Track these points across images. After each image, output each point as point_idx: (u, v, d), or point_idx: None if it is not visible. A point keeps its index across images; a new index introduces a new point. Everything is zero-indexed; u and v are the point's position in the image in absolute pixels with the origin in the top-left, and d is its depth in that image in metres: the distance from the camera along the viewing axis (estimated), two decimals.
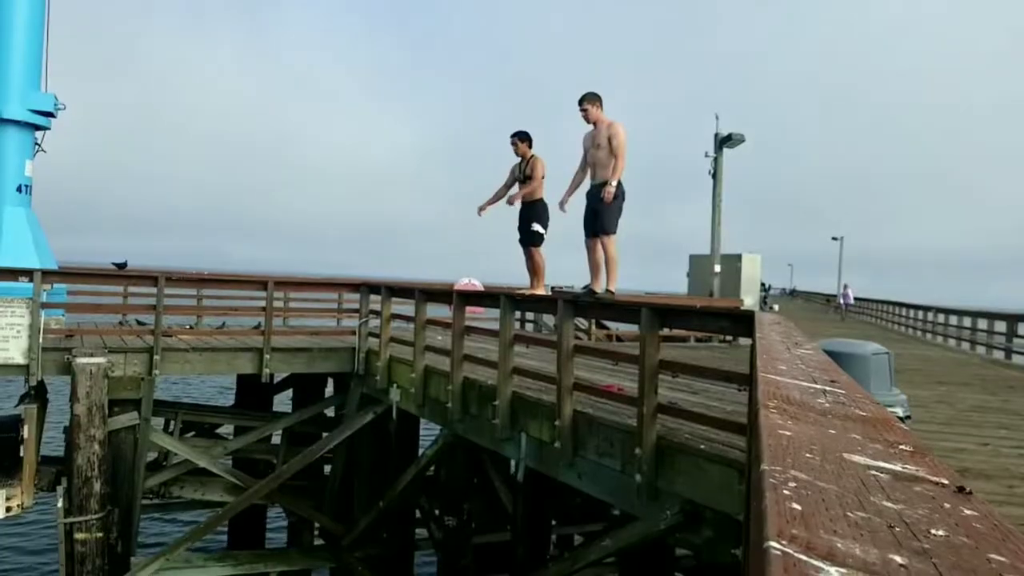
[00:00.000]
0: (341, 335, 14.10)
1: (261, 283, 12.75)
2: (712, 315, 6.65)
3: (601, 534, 10.01)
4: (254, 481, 12.54)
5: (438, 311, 11.50)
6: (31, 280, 10.81)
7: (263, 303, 12.47)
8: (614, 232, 8.47)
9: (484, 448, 9.18)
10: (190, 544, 12.09)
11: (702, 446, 6.08)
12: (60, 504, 10.39)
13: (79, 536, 10.35)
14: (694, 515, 6.09)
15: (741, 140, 25.38)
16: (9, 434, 11.36)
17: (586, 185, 8.96)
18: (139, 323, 15.10)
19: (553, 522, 10.52)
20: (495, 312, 8.97)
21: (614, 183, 8.25)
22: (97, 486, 10.41)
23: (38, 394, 11.12)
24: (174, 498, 13.19)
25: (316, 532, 14.49)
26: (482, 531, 10.88)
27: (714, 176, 25.66)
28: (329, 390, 14.55)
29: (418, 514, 11.96)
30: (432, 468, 11.39)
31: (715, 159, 25.73)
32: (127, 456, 10.97)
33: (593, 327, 17.21)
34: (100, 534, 10.47)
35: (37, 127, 14.47)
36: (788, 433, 1.74)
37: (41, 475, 10.95)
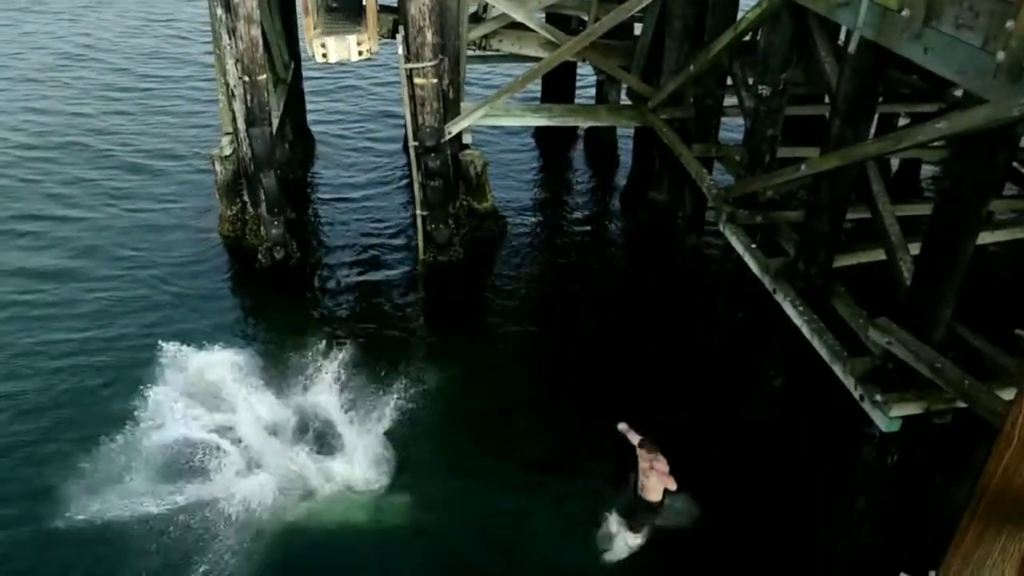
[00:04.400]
0: None
1: None
2: None
3: (935, 116, 9.07)
4: (567, 37, 12.73)
5: None
6: None
7: None
8: None
9: (814, 13, 8.23)
10: (510, 95, 13.05)
11: None
12: (400, 51, 11.52)
13: (418, 81, 11.61)
14: None
15: None
16: None
17: None
18: None
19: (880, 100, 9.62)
20: None
21: None
22: (429, 35, 11.27)
23: None
24: (493, 51, 13.97)
25: (623, 92, 14.87)
26: (796, 103, 10.36)
27: None
28: None
29: (729, 81, 11.57)
30: (750, 34, 10.61)
31: None
32: (452, 8, 11.54)
33: None
34: (434, 80, 11.64)
35: None
36: None
37: (381, 22, 12.04)
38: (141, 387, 9.79)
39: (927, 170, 15.07)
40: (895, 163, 14.58)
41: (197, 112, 18.42)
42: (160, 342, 10.45)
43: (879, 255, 8.81)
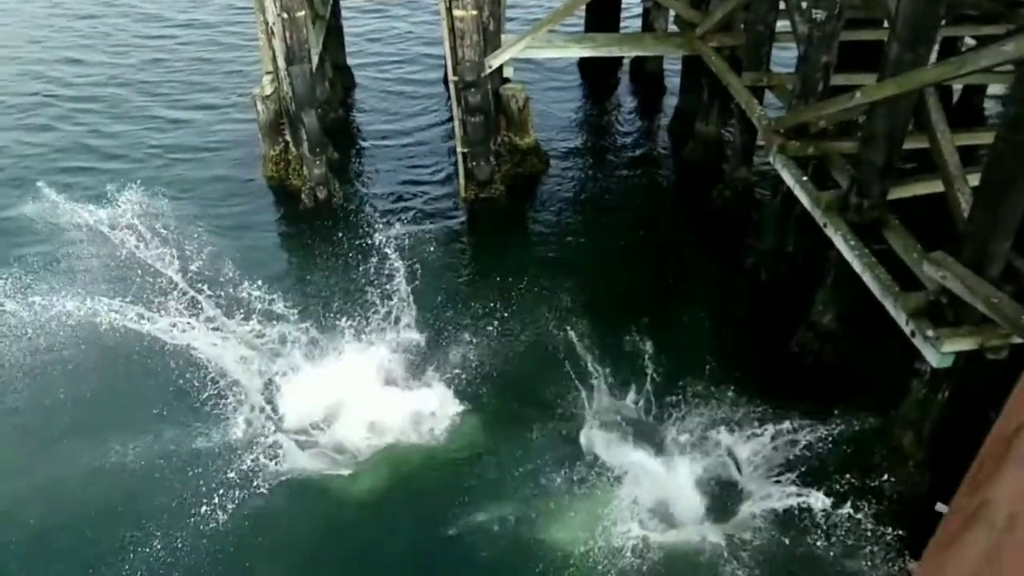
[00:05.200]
0: None
1: None
2: None
3: (1002, 38, 8.57)
4: None
5: None
6: None
7: None
8: None
9: None
10: (552, 26, 12.70)
11: None
12: None
13: (457, 13, 11.36)
14: None
15: None
16: None
17: None
18: None
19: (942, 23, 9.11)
20: None
21: None
22: None
23: None
24: None
25: (671, 20, 14.37)
26: (852, 27, 9.87)
27: None
28: None
29: (781, 5, 11.07)
30: None
31: None
32: None
33: None
34: (474, 12, 11.37)
35: None
36: None
37: None
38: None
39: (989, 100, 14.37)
40: (957, 90, 13.92)
41: (232, 58, 18.32)
42: (207, 289, 10.54)
43: (936, 186, 8.48)
